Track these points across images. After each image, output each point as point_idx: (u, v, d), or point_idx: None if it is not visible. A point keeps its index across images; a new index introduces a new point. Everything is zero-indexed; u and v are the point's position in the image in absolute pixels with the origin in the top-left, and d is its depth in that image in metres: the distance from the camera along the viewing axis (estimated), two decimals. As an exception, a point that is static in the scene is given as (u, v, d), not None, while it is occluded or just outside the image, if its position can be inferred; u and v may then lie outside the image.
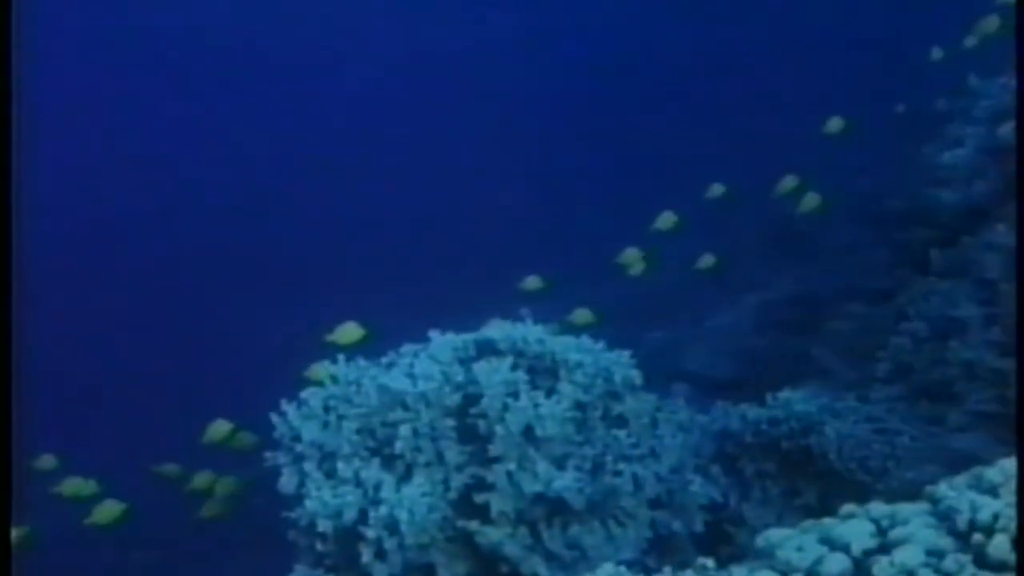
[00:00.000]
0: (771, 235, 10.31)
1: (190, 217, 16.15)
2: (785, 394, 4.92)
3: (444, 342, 4.18)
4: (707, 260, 5.58)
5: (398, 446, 3.80)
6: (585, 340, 4.15)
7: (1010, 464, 2.54)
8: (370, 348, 4.58)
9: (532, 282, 5.85)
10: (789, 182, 5.76)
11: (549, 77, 17.78)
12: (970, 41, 6.90)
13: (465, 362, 4.03)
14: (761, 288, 9.32)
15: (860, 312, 5.92)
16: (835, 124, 6.13)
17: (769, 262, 9.85)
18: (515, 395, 3.83)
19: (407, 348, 4.24)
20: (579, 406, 3.91)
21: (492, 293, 5.82)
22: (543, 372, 4.01)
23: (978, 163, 5.59)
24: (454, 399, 3.87)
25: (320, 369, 4.54)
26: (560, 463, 3.81)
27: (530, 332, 4.11)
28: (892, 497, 2.72)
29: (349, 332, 4.88)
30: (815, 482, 4.61)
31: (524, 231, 13.31)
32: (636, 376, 4.14)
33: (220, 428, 4.95)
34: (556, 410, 3.81)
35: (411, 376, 3.95)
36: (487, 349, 4.11)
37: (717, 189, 5.89)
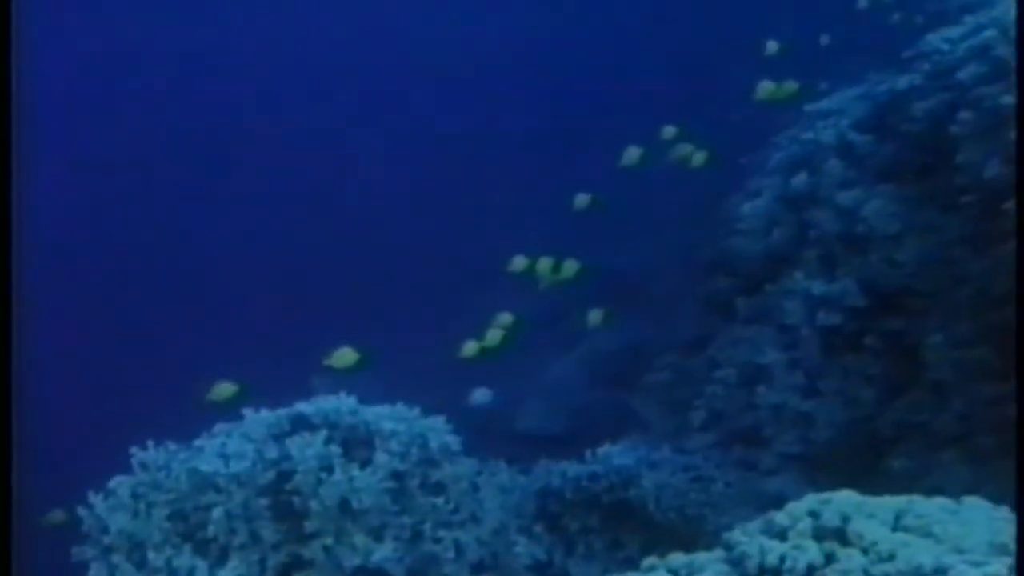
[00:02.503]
0: (598, 286, 10.53)
1: (193, 222, 15.76)
2: (605, 449, 5.02)
3: (257, 419, 4.13)
4: (505, 318, 5.62)
5: (211, 530, 3.73)
6: (400, 408, 4.16)
7: (797, 507, 2.64)
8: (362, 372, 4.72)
9: (518, 262, 5.88)
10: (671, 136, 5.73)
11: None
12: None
13: (279, 438, 3.99)
14: (588, 341, 9.49)
15: (676, 362, 6.07)
16: (772, 47, 6.17)
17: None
18: (329, 469, 3.80)
19: (220, 427, 4.17)
20: (395, 475, 3.91)
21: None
22: (358, 443, 4.00)
23: (775, 213, 5.83)
24: (267, 477, 3.82)
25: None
26: (378, 534, 3.79)
27: (343, 404, 4.10)
28: (711, 544, 2.79)
29: (345, 356, 4.85)
30: (637, 534, 4.69)
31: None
32: (453, 441, 4.16)
33: (225, 389, 4.80)
34: (371, 481, 3.80)
35: (223, 456, 3.88)
36: (301, 424, 4.07)
37: (669, 131, 5.90)
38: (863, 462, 4.64)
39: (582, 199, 5.96)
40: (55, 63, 16.23)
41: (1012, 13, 4.86)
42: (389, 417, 4.05)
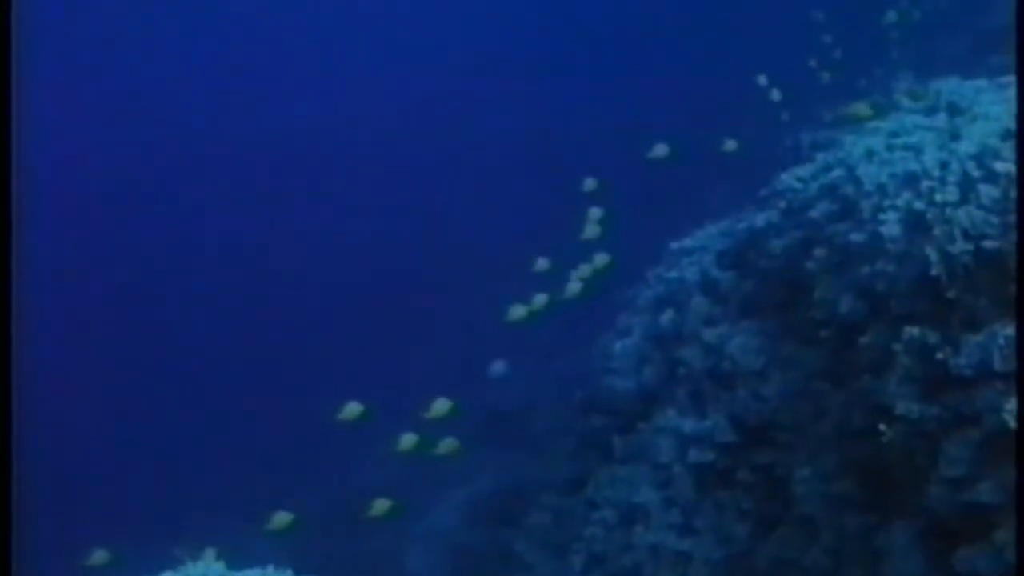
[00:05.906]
0: (479, 425, 10.49)
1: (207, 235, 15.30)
2: (484, 602, 4.94)
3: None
4: (408, 440, 5.71)
5: None
6: (271, 572, 4.06)
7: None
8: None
9: (541, 264, 6.07)
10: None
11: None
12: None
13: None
14: (469, 480, 9.40)
15: (556, 503, 6.04)
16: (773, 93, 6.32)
17: (476, 452, 9.98)
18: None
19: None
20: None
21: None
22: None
23: (645, 351, 5.92)
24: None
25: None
26: None
27: (212, 571, 3.98)
28: None
29: (440, 407, 5.14)
30: None
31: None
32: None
33: (353, 409, 5.06)
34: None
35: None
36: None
37: (661, 149, 6.04)
38: (740, 600, 4.66)
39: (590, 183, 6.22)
40: (55, 63, 16.04)
41: (856, 153, 5.09)
42: (250, 582, 3.95)
